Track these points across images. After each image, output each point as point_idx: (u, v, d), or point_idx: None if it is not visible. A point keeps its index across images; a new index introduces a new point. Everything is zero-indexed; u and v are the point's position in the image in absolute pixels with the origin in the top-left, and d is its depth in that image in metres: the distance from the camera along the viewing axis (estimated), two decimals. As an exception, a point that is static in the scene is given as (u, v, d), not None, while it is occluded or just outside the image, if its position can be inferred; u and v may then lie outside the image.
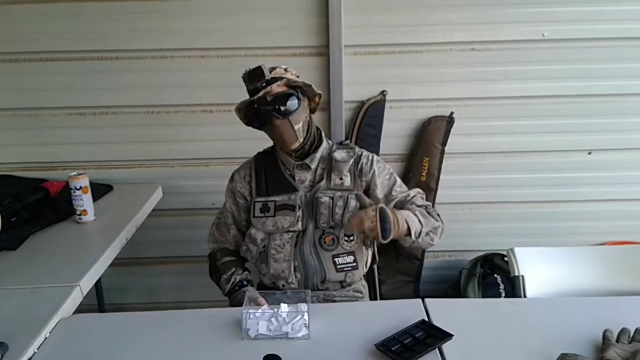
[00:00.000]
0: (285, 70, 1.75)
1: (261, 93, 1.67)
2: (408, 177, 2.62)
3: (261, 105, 1.68)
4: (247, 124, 1.79)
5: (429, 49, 2.49)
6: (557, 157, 2.64)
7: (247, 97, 1.73)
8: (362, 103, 2.54)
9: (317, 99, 1.79)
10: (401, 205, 1.79)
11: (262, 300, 1.54)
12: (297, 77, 1.78)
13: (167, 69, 2.50)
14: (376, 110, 2.54)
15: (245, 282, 1.79)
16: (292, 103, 1.69)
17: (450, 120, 2.55)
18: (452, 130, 2.56)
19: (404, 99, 2.56)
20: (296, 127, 1.71)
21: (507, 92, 2.54)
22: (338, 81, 2.48)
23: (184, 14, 2.44)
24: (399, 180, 1.87)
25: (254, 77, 1.68)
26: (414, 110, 2.58)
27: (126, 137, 2.60)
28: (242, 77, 1.71)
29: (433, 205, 2.59)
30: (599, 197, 2.70)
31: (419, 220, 1.67)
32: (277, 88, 1.68)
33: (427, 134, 2.57)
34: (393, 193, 1.82)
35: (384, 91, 2.53)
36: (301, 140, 1.74)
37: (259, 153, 1.90)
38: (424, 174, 2.60)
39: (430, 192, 2.62)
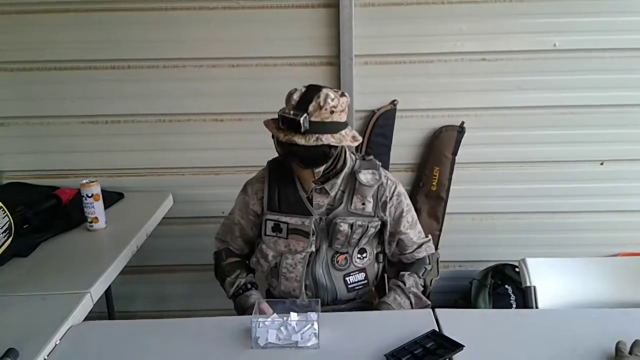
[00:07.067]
0: (332, 112, 1.51)
1: (288, 137, 1.51)
2: (418, 186, 2.62)
3: (285, 147, 1.55)
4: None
5: (439, 59, 2.49)
6: (569, 167, 2.62)
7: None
8: (373, 112, 2.54)
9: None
10: (403, 247, 1.82)
11: (268, 309, 1.54)
12: (345, 109, 1.58)
13: (178, 78, 2.51)
14: (387, 120, 2.54)
15: (249, 285, 1.78)
16: (320, 164, 1.58)
17: (461, 130, 2.55)
18: (463, 140, 2.56)
19: (415, 108, 2.56)
20: (317, 170, 1.60)
21: (518, 102, 2.53)
22: (349, 91, 2.46)
23: (195, 23, 2.45)
24: (411, 221, 1.82)
25: (288, 125, 1.50)
26: (425, 120, 2.58)
27: (137, 145, 2.61)
28: (278, 115, 1.53)
29: (444, 214, 2.62)
30: (611, 208, 2.67)
31: (411, 304, 1.75)
32: (308, 142, 1.50)
33: (437, 143, 2.56)
34: (402, 238, 1.81)
35: (394, 101, 2.53)
36: (318, 176, 1.64)
37: (273, 161, 1.78)
38: (434, 183, 2.59)
39: (441, 201, 2.61)
